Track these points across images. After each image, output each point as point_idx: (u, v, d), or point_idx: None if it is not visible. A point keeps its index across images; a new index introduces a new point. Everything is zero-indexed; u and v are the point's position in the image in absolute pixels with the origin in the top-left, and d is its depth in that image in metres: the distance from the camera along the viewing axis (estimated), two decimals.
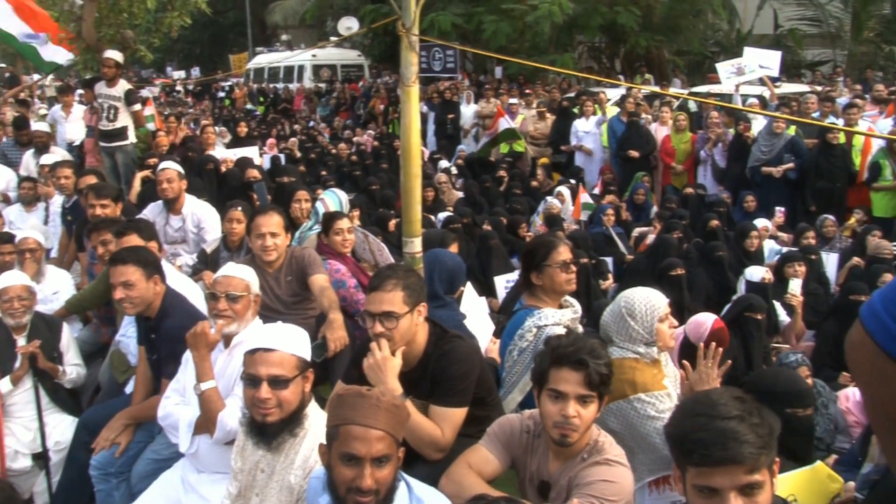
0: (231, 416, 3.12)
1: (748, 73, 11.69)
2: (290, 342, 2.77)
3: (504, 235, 7.84)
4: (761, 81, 12.13)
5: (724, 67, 12.09)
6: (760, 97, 11.91)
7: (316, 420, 2.79)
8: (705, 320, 4.04)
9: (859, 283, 5.81)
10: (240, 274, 3.50)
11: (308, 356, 2.84)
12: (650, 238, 7.79)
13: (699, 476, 1.89)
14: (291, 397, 2.71)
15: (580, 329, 3.64)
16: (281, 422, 2.70)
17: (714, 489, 1.88)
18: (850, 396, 4.46)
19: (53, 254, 6.82)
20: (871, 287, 5.76)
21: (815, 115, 10.11)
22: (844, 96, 12.54)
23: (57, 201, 7.23)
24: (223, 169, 8.75)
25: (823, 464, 3.13)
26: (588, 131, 11.92)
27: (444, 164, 12.28)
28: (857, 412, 4.35)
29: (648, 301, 3.20)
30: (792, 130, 9.68)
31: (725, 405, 1.92)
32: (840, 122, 9.95)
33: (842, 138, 9.32)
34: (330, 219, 5.09)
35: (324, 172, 11.76)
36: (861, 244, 7.40)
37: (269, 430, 2.71)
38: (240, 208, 5.41)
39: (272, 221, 4.47)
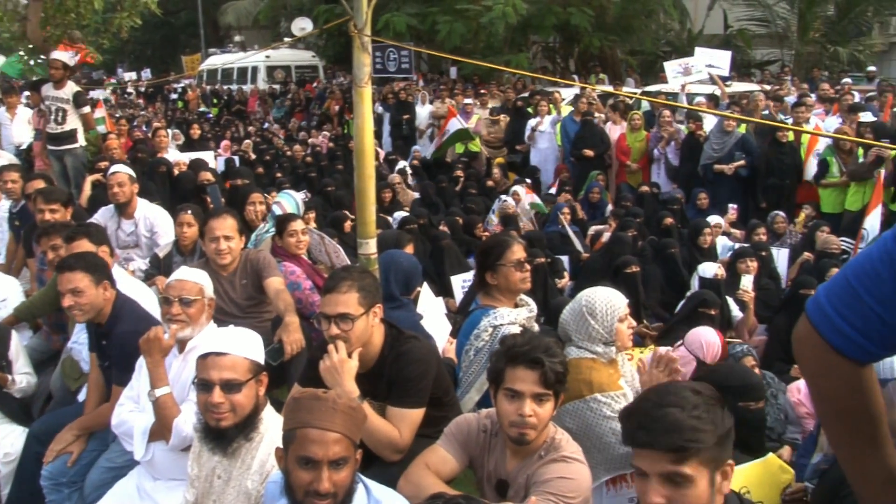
0: (186, 421, 3.08)
1: (695, 72, 11.89)
2: (241, 345, 2.75)
3: (460, 235, 7.86)
4: (712, 80, 12.34)
5: (671, 67, 12.28)
6: (711, 96, 12.11)
7: (272, 424, 2.77)
8: (714, 340, 4.08)
9: (809, 278, 5.93)
10: (194, 278, 3.46)
11: (261, 359, 2.82)
12: (605, 236, 7.87)
13: (634, 457, 1.95)
14: (245, 401, 2.69)
15: (536, 328, 3.66)
16: (235, 426, 2.68)
17: (643, 472, 1.92)
18: (801, 388, 4.54)
19: (0, 260, 6.67)
20: (820, 281, 5.88)
21: (765, 113, 10.32)
22: (792, 95, 12.83)
23: (4, 206, 7.06)
24: (176, 172, 8.62)
25: (775, 455, 3.20)
26: (543, 131, 12.00)
27: (400, 164, 12.28)
28: (808, 404, 4.44)
29: (609, 301, 3.22)
30: (743, 129, 9.85)
31: (676, 395, 1.96)
32: (789, 121, 10.18)
33: (790, 136, 9.52)
34: (284, 221, 5.06)
35: (279, 174, 11.67)
36: (810, 240, 7.57)
37: (224, 436, 2.68)
38: (190, 211, 5.34)
39: (226, 224, 4.42)
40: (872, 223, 7.07)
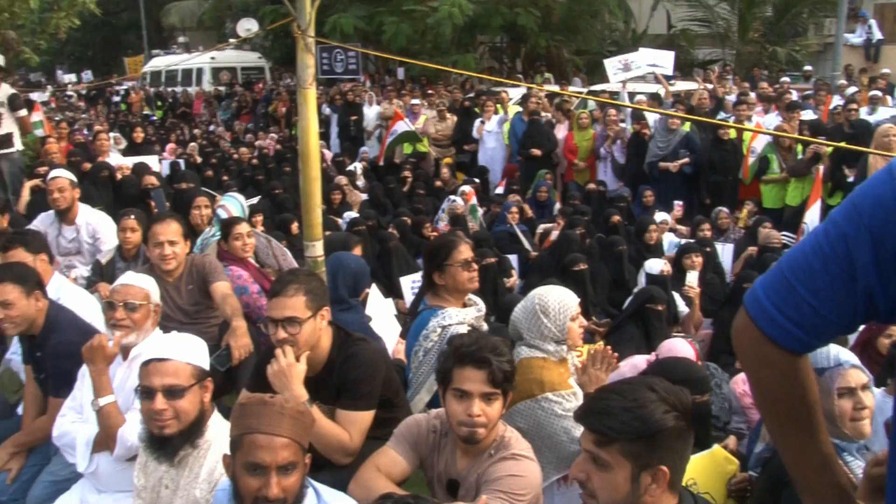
0: (132, 431, 3.01)
1: (634, 68, 12.05)
2: (184, 351, 2.71)
3: (409, 236, 7.84)
4: (656, 79, 12.52)
5: (611, 64, 12.41)
6: (654, 95, 12.30)
7: (219, 431, 2.73)
8: (687, 350, 4.10)
9: (751, 272, 6.04)
10: (139, 283, 3.40)
11: (205, 364, 2.77)
12: (554, 234, 7.94)
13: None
14: (189, 407, 2.64)
15: (485, 327, 3.68)
16: (180, 434, 2.63)
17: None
18: (746, 380, 4.63)
19: None
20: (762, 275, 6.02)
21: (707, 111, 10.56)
22: (733, 94, 13.12)
23: None
24: (119, 176, 8.45)
25: (720, 447, 3.26)
26: (490, 131, 12.06)
27: (349, 166, 12.23)
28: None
29: (562, 300, 3.24)
30: (687, 127, 10.05)
31: (631, 386, 2.02)
32: (731, 119, 10.40)
33: (732, 134, 9.73)
34: (229, 224, 5.00)
35: (225, 178, 11.50)
36: (753, 235, 7.74)
37: (169, 443, 2.64)
38: (133, 216, 5.24)
39: (170, 229, 4.35)
40: (812, 217, 7.25)
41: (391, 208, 9.53)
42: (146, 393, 2.63)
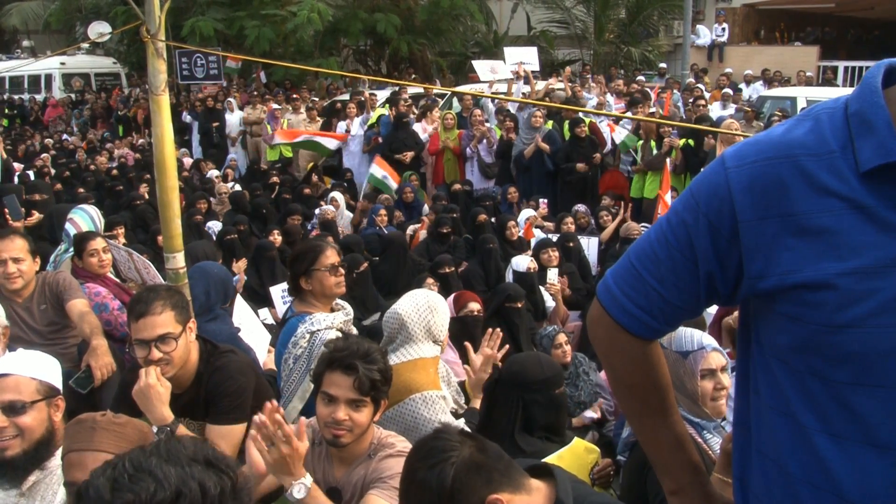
0: None
1: (500, 72, 12.41)
2: (27, 366, 2.56)
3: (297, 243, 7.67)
4: (525, 80, 12.87)
5: (480, 66, 12.74)
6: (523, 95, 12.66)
7: None
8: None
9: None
10: None
11: (55, 381, 2.63)
12: (422, 234, 8.02)
13: None
14: (33, 424, 2.49)
15: (354, 330, 3.67)
16: (24, 454, 2.47)
17: None
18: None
19: None
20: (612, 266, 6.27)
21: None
22: (593, 92, 13.70)
23: None
24: None
25: (579, 439, 3.36)
26: (353, 134, 12.03)
27: (212, 173, 11.91)
28: None
29: (445, 303, 3.34)
30: (550, 124, 10.44)
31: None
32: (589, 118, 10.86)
33: (587, 130, 10.17)
34: (82, 240, 4.70)
35: (81, 189, 10.91)
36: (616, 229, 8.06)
37: (12, 465, 2.46)
38: None
39: (14, 245, 4.08)
40: (665, 209, 7.62)
41: (272, 215, 9.26)
42: None
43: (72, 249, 4.88)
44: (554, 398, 3.20)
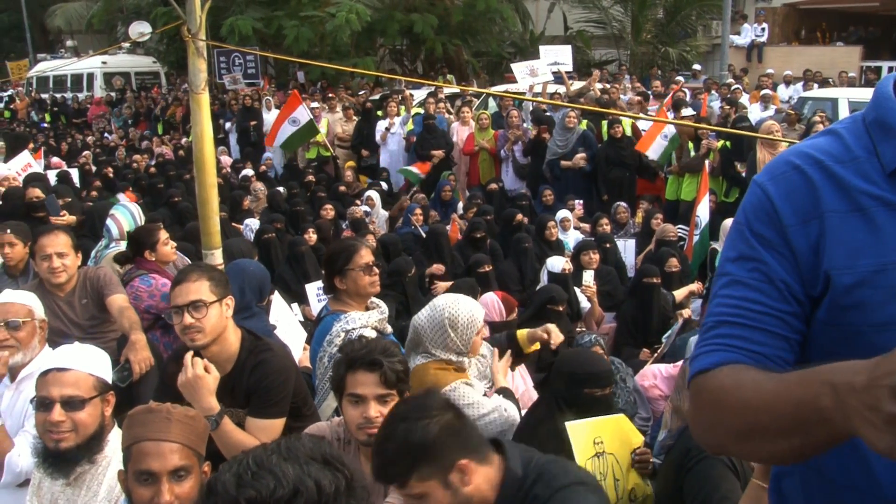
0: (21, 455, 2.86)
1: (540, 73, 12.32)
2: (85, 361, 2.60)
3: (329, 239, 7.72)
4: (558, 79, 12.79)
5: (519, 69, 12.65)
6: (554, 94, 12.58)
7: (119, 447, 2.64)
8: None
9: (650, 266, 6.20)
10: (19, 300, 3.24)
11: (108, 377, 2.68)
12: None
13: None
14: (88, 420, 2.53)
15: (389, 329, 3.68)
16: (77, 448, 2.51)
17: None
18: (655, 373, 4.66)
19: None
20: (660, 268, 6.22)
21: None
22: (629, 93, 13.57)
23: None
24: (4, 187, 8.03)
25: (626, 417, 3.35)
26: (394, 132, 12.06)
27: (246, 172, 12.02)
28: (663, 386, 4.54)
29: (471, 314, 3.20)
30: (584, 125, 10.33)
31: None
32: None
33: (627, 131, 10.06)
34: (149, 233, 4.75)
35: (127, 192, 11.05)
36: (647, 228, 7.99)
37: (65, 458, 2.51)
38: (10, 230, 4.93)
39: (58, 241, 4.17)
40: (703, 211, 7.54)
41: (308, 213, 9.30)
42: (43, 404, 2.50)
43: (114, 245, 4.95)
44: (600, 398, 3.23)
